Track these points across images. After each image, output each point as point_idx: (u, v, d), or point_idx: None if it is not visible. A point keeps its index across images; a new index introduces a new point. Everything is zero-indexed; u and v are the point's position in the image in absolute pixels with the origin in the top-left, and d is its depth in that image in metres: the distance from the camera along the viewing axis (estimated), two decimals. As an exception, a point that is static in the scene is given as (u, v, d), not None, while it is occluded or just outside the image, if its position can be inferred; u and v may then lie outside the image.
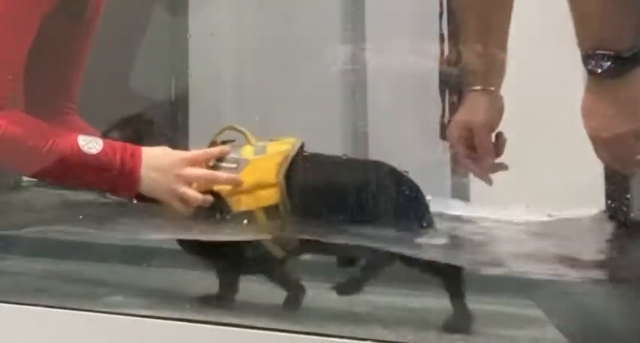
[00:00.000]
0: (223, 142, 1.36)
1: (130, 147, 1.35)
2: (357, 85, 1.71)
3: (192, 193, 1.32)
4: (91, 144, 1.34)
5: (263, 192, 1.29)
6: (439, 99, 1.56)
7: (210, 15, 1.81)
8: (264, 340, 1.14)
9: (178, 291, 1.42)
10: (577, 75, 1.46)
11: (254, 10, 1.84)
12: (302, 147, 1.33)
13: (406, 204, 1.30)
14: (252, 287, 1.36)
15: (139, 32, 1.69)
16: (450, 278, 1.27)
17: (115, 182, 1.34)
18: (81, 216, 1.40)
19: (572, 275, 1.26)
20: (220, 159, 1.34)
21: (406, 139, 1.60)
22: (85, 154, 1.33)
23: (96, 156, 1.33)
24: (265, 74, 1.81)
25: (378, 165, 1.33)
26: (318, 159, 1.34)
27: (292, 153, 1.31)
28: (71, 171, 1.35)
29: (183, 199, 1.32)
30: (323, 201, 1.30)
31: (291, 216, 1.29)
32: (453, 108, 1.54)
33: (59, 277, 1.52)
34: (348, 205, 1.29)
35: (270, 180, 1.29)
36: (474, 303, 1.26)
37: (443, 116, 1.55)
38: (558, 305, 1.32)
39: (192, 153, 1.35)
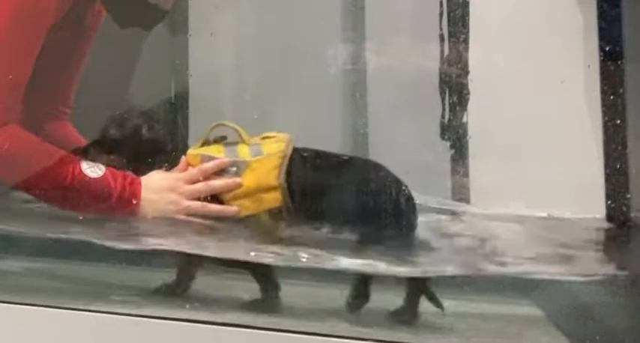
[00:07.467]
0: (215, 140, 1.38)
1: (130, 175, 1.38)
2: (357, 85, 1.71)
3: (196, 204, 1.35)
4: (93, 169, 1.37)
5: (265, 196, 1.31)
6: (439, 99, 1.56)
7: (210, 15, 1.80)
8: (265, 340, 1.14)
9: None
10: (577, 74, 1.46)
11: (254, 9, 1.84)
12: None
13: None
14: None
15: (139, 32, 1.69)
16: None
17: (115, 207, 1.36)
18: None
19: (572, 275, 1.26)
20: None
21: (406, 139, 1.60)
22: (87, 177, 1.36)
23: (97, 180, 1.36)
24: (265, 74, 1.81)
25: (369, 163, 1.37)
26: (313, 157, 1.35)
27: (289, 153, 1.33)
28: (71, 193, 1.36)
29: (190, 212, 1.35)
30: (325, 200, 1.31)
31: (295, 216, 1.30)
32: (453, 108, 1.54)
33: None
34: (349, 204, 1.31)
35: (271, 183, 1.31)
36: (474, 303, 1.26)
37: (443, 116, 1.55)
38: (558, 305, 1.32)
39: (188, 172, 1.37)
